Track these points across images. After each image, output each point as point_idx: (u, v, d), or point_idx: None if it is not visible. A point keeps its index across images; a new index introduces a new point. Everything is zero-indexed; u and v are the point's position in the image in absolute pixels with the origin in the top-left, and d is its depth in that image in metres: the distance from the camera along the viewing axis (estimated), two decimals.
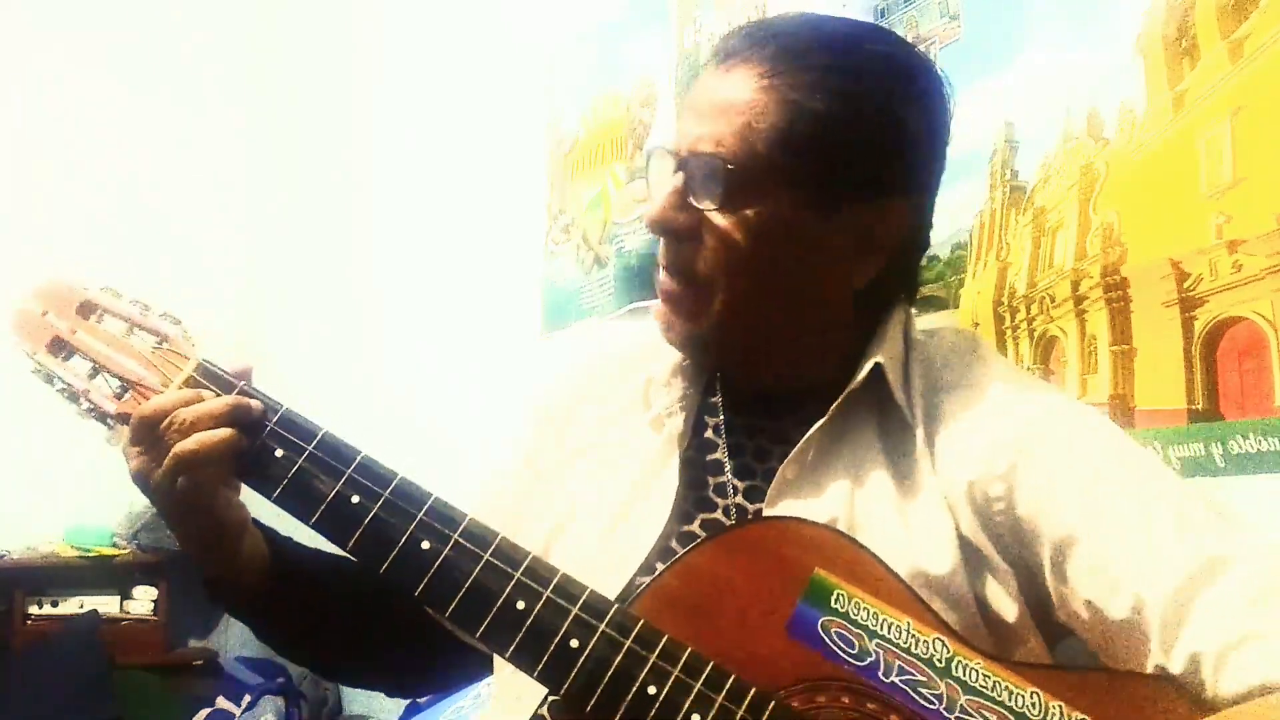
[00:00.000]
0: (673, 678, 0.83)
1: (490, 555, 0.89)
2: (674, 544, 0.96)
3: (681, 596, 0.86)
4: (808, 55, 0.95)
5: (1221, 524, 0.85)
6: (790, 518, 0.92)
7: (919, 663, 0.81)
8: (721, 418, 1.03)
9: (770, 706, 0.81)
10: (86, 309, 1.03)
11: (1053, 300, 1.34)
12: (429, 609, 0.94)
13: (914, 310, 1.06)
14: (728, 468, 1.01)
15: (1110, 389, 1.26)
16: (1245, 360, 1.14)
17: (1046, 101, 1.37)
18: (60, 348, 1.02)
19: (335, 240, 3.34)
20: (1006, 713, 0.78)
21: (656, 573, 0.88)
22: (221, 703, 2.98)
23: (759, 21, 1.03)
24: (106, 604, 3.29)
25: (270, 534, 1.04)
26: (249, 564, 1.01)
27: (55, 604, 3.25)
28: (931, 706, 0.79)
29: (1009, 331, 1.40)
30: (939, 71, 1.02)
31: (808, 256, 0.96)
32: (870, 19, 1.59)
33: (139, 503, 3.31)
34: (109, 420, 1.00)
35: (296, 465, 0.94)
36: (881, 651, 0.81)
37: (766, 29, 0.99)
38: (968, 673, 0.80)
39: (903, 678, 0.80)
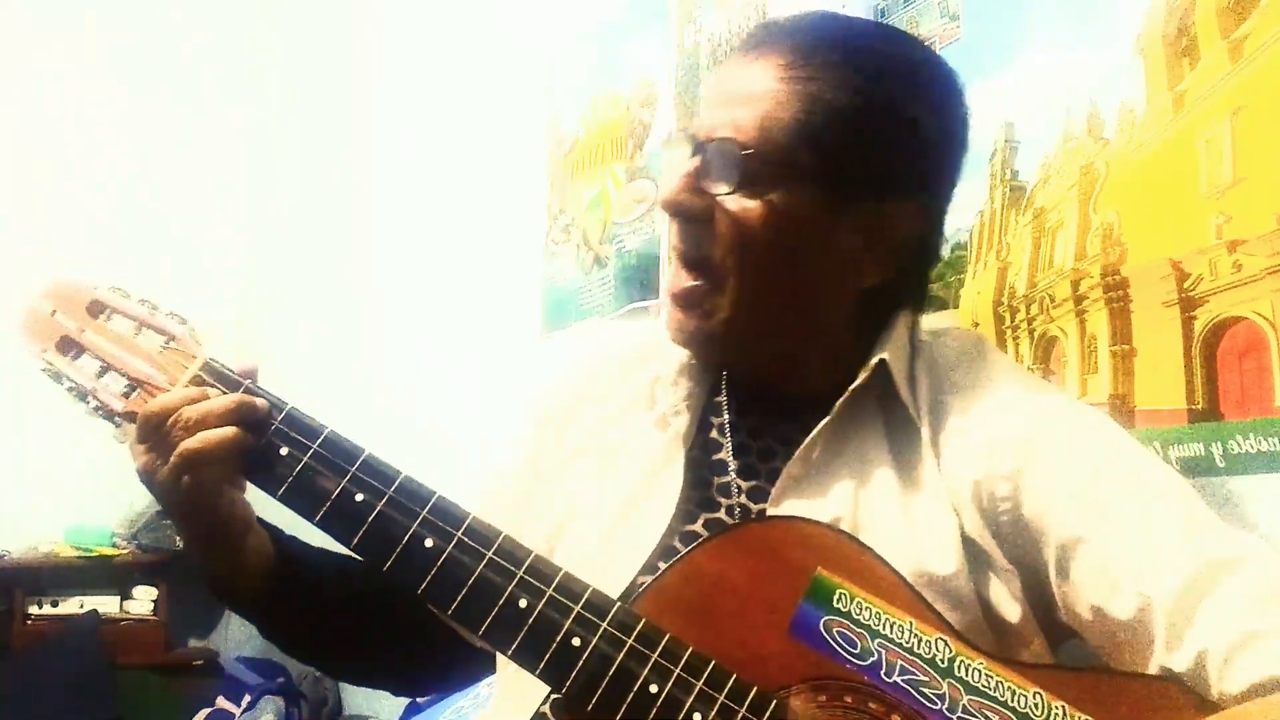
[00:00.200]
0: (674, 676, 0.83)
1: (493, 553, 0.90)
2: (677, 543, 0.97)
3: (684, 595, 0.86)
4: (832, 51, 0.95)
5: (1225, 524, 0.85)
6: (793, 517, 0.92)
7: (921, 663, 0.81)
8: (727, 418, 1.03)
9: (772, 706, 0.81)
10: (95, 308, 1.04)
11: (1053, 300, 1.34)
12: (432, 607, 0.94)
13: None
14: (732, 467, 1.01)
15: (1110, 389, 1.26)
16: (1245, 360, 1.14)
17: (1046, 101, 1.36)
18: (69, 347, 1.02)
19: (335, 240, 3.33)
20: (1009, 713, 0.78)
21: (659, 572, 0.89)
22: (221, 703, 2.97)
23: (788, 16, 1.04)
24: (106, 604, 3.28)
25: (275, 532, 1.05)
26: (253, 562, 1.01)
27: (55, 604, 3.23)
28: (934, 707, 0.79)
29: (1009, 331, 1.39)
30: (959, 84, 1.02)
31: (818, 250, 0.97)
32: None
33: (139, 502, 3.32)
34: (116, 419, 1.00)
35: (301, 463, 0.94)
36: (884, 651, 0.82)
37: (793, 22, 1.00)
38: (970, 673, 0.80)
39: (905, 678, 0.81)
